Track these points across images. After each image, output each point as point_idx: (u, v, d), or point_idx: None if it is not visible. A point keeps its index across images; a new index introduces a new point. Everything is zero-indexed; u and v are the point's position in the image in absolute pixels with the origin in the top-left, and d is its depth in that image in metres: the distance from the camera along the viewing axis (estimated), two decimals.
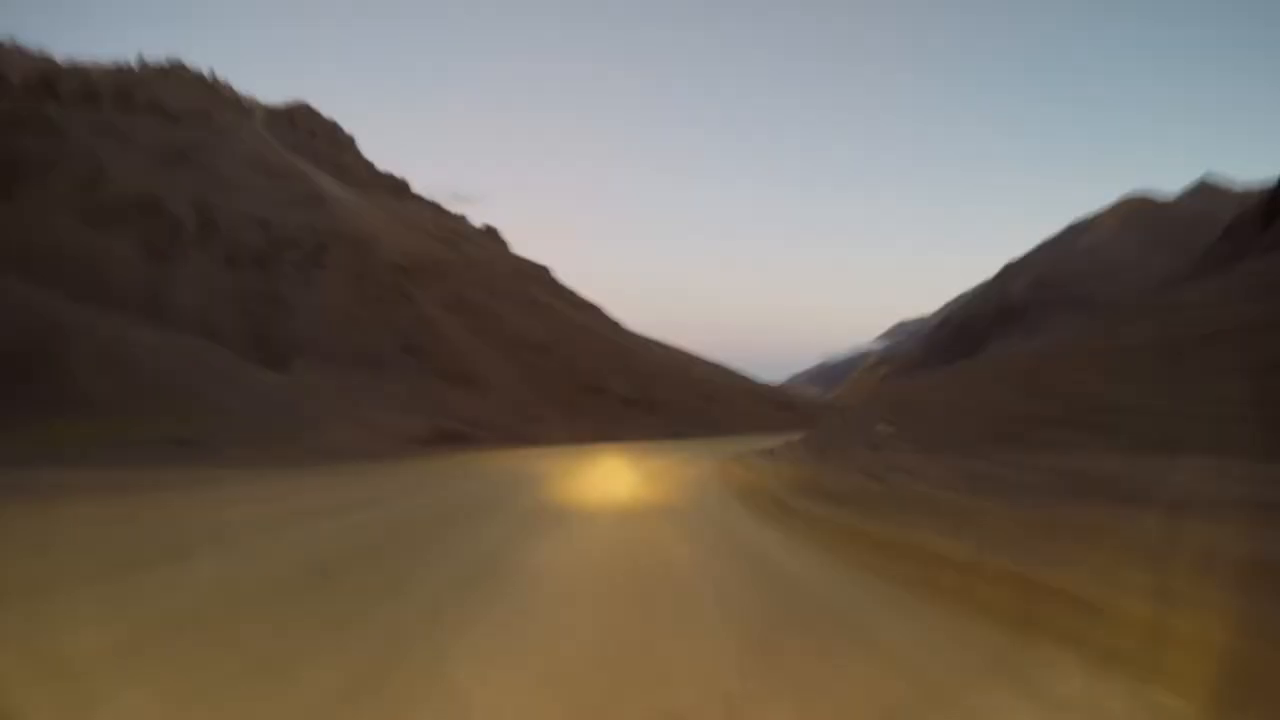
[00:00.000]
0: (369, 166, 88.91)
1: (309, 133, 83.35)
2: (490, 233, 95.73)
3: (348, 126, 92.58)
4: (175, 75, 72.19)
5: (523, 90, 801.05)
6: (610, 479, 15.97)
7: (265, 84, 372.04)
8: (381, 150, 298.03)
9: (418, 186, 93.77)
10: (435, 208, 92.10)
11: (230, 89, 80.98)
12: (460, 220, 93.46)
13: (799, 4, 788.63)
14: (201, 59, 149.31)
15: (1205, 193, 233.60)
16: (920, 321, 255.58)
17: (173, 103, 63.80)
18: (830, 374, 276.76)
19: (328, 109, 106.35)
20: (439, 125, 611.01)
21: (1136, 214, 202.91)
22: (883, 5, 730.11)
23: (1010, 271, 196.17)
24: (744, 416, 67.65)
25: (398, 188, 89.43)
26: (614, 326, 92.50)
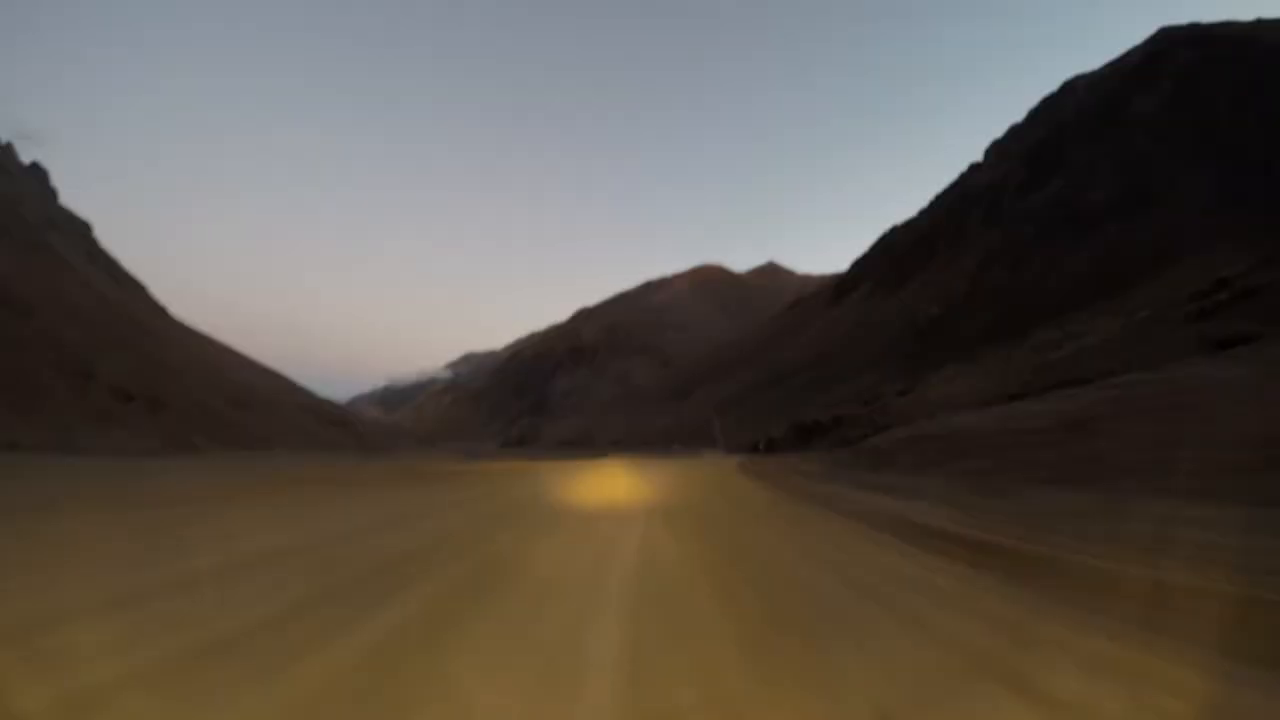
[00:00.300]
0: None
1: None
2: (36, 170, 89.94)
3: None
4: None
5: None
6: None
7: None
8: None
9: None
10: None
11: None
12: None
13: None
14: None
15: (770, 272, 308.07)
16: (490, 355, 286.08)
17: None
18: (395, 396, 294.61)
19: None
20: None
21: (708, 280, 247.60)
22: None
23: (583, 315, 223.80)
24: (287, 430, 61.40)
25: None
26: (153, 309, 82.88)
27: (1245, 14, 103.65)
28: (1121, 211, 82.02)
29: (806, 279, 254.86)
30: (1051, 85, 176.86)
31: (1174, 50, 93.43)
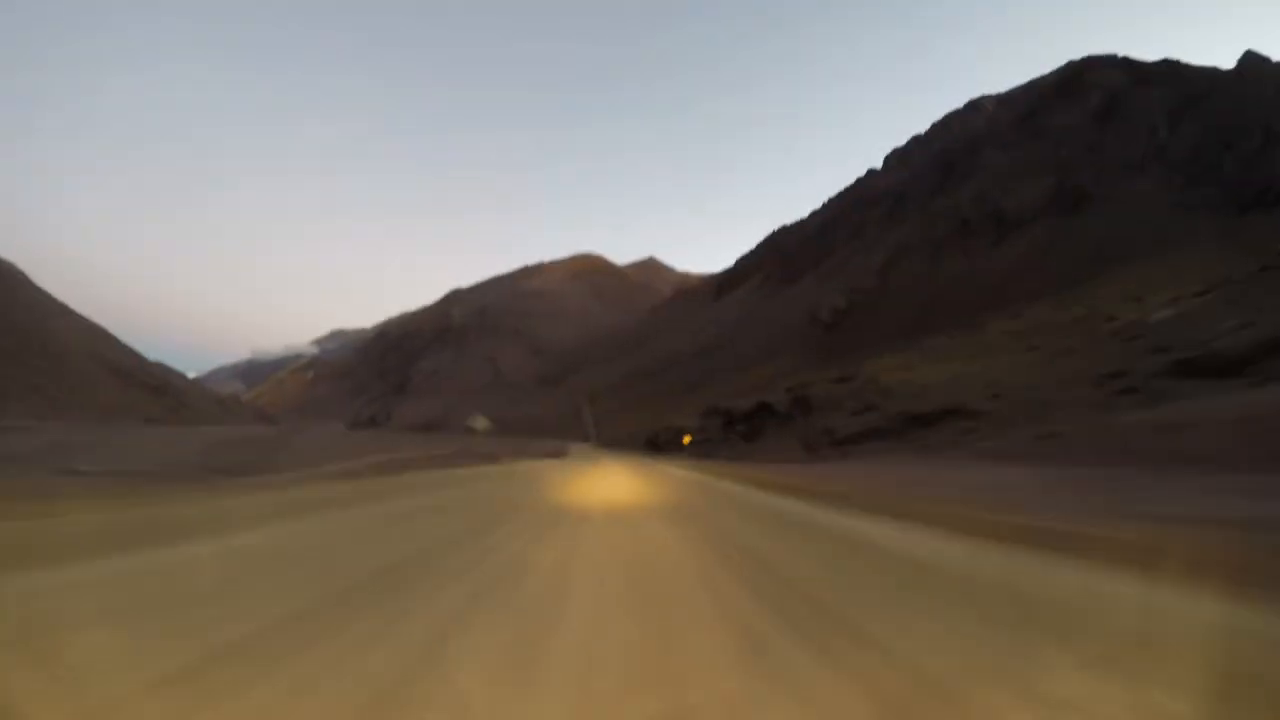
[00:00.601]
0: None
1: None
2: None
3: None
4: None
5: None
6: None
7: None
8: None
9: None
10: None
11: None
12: None
13: None
14: None
15: (650, 266, 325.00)
16: (359, 332, 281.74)
17: None
18: (259, 371, 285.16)
19: None
20: None
21: (586, 270, 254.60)
22: None
23: (454, 298, 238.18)
24: (66, 387, 48.17)
25: None
26: None
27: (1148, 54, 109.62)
28: (1054, 213, 76.10)
29: (686, 276, 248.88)
30: (955, 103, 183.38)
31: (1100, 69, 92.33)
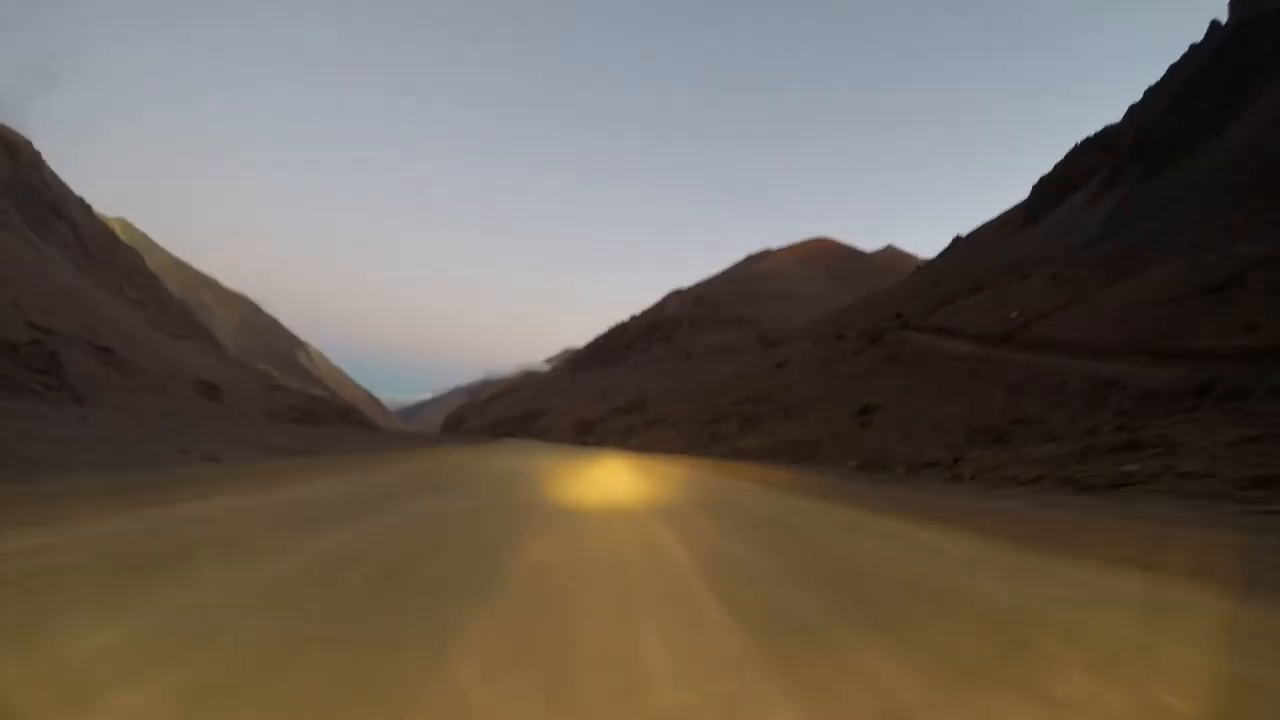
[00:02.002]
0: None
1: None
2: None
3: None
4: None
5: None
6: None
7: None
8: None
9: None
10: None
11: None
12: None
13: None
14: None
15: (890, 254, 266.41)
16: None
17: None
18: (487, 390, 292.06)
19: None
20: None
21: (822, 253, 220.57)
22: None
23: (674, 296, 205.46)
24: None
25: None
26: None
27: None
28: None
29: (922, 261, 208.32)
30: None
31: None
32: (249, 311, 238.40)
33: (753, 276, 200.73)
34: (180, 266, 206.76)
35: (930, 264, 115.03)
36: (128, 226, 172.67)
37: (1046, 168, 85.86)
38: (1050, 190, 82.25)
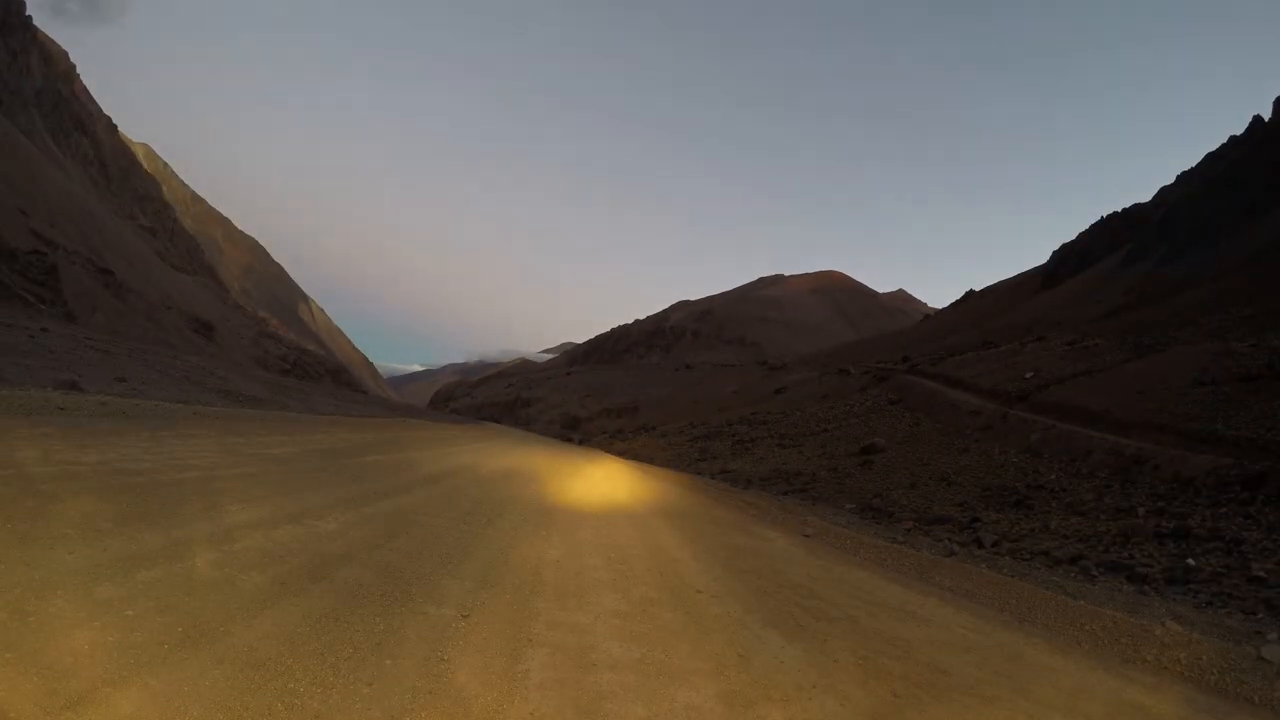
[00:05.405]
0: None
1: None
2: None
3: None
4: None
5: None
6: None
7: None
8: None
9: None
10: None
11: None
12: None
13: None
14: None
15: (901, 297, 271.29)
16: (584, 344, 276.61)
17: None
18: (476, 371, 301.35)
19: None
20: None
21: (832, 286, 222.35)
22: None
23: (679, 306, 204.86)
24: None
25: None
26: None
27: None
28: None
29: (937, 311, 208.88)
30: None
31: None
32: (258, 256, 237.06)
33: (761, 299, 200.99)
34: (196, 200, 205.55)
35: (941, 313, 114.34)
36: (151, 154, 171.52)
37: (1054, 241, 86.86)
38: (1070, 258, 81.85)
